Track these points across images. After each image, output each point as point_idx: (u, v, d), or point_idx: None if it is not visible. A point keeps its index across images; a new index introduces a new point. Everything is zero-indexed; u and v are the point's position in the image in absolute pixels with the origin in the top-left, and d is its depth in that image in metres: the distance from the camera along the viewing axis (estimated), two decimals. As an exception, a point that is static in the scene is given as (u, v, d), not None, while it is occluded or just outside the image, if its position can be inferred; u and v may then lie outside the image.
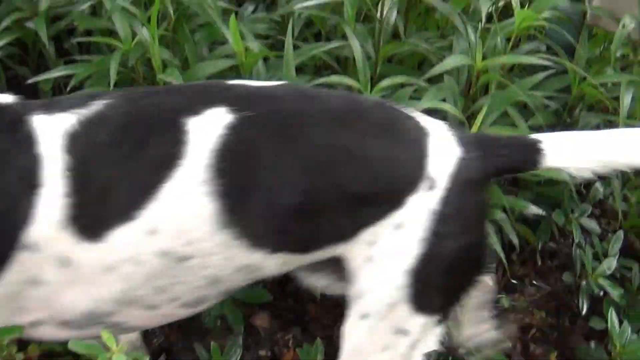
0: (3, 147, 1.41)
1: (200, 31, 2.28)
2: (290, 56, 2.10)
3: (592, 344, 2.29)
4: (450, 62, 2.16)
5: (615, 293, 2.25)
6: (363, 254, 1.51)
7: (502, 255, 2.10)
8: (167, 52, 2.15)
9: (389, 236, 1.49)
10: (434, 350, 1.63)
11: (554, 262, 2.49)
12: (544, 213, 2.27)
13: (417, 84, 2.17)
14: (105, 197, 1.43)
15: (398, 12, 2.35)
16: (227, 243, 1.46)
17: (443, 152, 1.52)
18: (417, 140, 1.52)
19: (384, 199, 1.49)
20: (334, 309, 2.00)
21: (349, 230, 1.50)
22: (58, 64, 2.34)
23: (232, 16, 2.04)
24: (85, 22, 2.30)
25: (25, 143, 1.42)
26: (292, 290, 2.26)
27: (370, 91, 2.11)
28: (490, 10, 2.29)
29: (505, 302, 2.35)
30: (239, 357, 2.00)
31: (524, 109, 2.26)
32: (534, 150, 1.57)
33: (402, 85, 2.18)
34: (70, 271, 1.44)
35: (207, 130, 1.44)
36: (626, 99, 2.29)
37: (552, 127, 2.34)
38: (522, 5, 2.28)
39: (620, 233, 2.35)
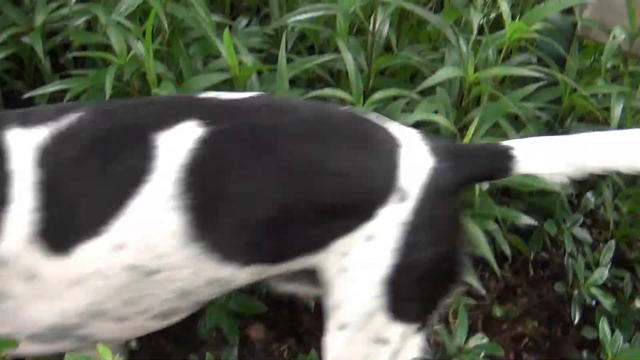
0: None
1: (194, 45, 2.30)
2: (283, 70, 2.12)
3: (585, 354, 2.31)
4: (442, 74, 2.17)
5: (607, 302, 2.27)
6: (337, 265, 1.52)
7: (494, 265, 2.11)
8: (162, 65, 2.16)
9: (361, 247, 1.50)
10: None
11: (546, 272, 2.50)
12: (536, 223, 2.28)
13: (410, 97, 2.19)
14: (74, 212, 1.44)
15: (390, 24, 2.37)
16: (196, 257, 1.46)
17: (415, 162, 1.53)
18: (388, 152, 1.53)
19: (354, 210, 1.50)
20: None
21: (320, 242, 1.51)
22: (54, 79, 2.35)
23: (226, 30, 2.06)
24: (81, 37, 2.31)
25: None
26: (287, 302, 2.27)
27: (363, 104, 2.13)
28: (481, 22, 2.31)
29: (498, 311, 2.36)
30: (234, 368, 2.02)
31: (516, 121, 2.28)
32: (506, 157, 1.58)
33: (394, 98, 2.20)
34: (38, 285, 1.46)
35: (176, 144, 1.45)
36: (617, 110, 2.31)
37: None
38: (513, 17, 2.30)
39: (612, 243, 2.37)
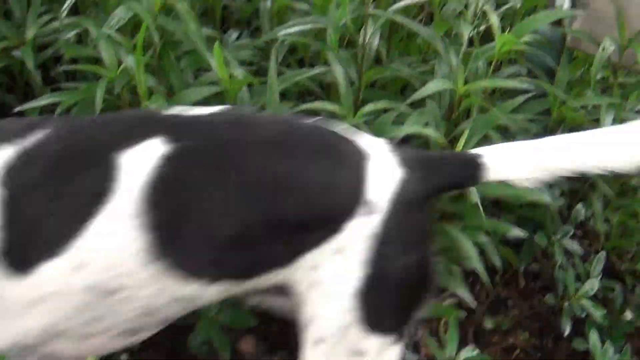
0: None
1: (186, 58, 2.30)
2: (274, 83, 2.12)
3: (576, 365, 2.32)
4: (432, 86, 2.17)
5: (597, 314, 2.27)
6: (307, 280, 1.52)
7: (485, 277, 2.12)
8: (153, 79, 2.16)
9: (331, 261, 1.50)
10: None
11: (537, 284, 2.50)
12: (526, 235, 2.29)
13: (400, 109, 2.19)
14: (35, 232, 1.43)
15: (381, 37, 2.37)
16: (159, 275, 1.45)
17: (383, 174, 1.53)
18: (354, 165, 1.53)
19: (321, 225, 1.50)
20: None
21: (287, 257, 1.51)
22: (45, 92, 2.35)
23: (217, 44, 2.06)
24: (72, 50, 2.31)
25: None
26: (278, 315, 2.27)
27: (354, 116, 2.13)
28: (471, 34, 2.32)
29: (489, 323, 2.36)
30: (225, 382, 2.02)
31: (506, 132, 2.29)
32: (475, 165, 1.59)
33: (385, 110, 2.20)
34: None
35: (139, 162, 1.45)
36: (606, 122, 2.32)
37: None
38: (503, 30, 2.31)
39: (602, 254, 2.37)
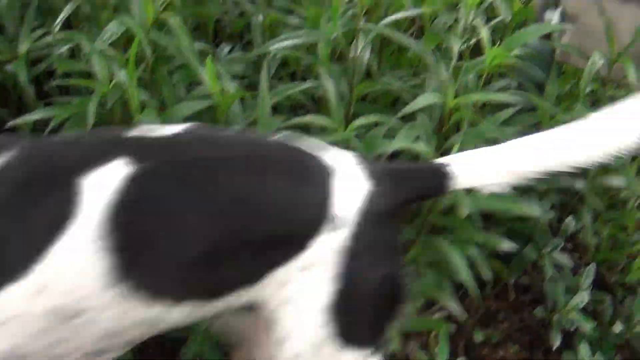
0: None
1: (178, 72, 2.31)
2: (265, 97, 2.13)
3: (566, 377, 2.33)
4: (423, 100, 2.19)
5: (587, 327, 2.28)
6: (278, 297, 1.52)
7: (475, 290, 2.13)
8: (145, 93, 2.17)
9: (300, 278, 1.50)
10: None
11: (527, 296, 2.52)
12: (516, 248, 2.29)
13: (391, 123, 2.20)
14: None
15: (372, 50, 2.39)
16: (121, 297, 1.44)
17: (350, 188, 1.54)
18: (319, 181, 1.53)
19: (286, 242, 1.50)
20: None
21: (254, 275, 1.51)
22: (38, 106, 2.35)
23: (209, 58, 2.08)
24: (64, 65, 2.32)
25: None
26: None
27: (345, 130, 2.15)
28: (462, 47, 2.34)
29: (479, 336, 2.37)
30: (217, 395, 2.02)
31: (497, 143, 2.29)
32: (441, 174, 1.61)
33: (376, 124, 2.21)
34: None
35: (102, 184, 1.44)
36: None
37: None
38: (493, 43, 2.33)
39: (592, 267, 2.38)
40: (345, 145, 2.12)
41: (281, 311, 1.54)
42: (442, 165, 1.62)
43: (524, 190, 2.29)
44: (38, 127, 2.31)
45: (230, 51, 2.55)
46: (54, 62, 2.35)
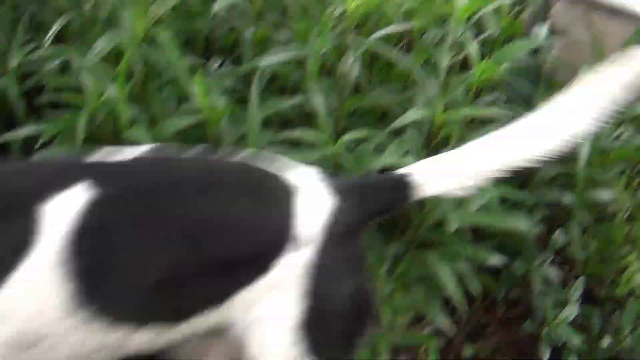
0: None
1: (168, 87, 2.32)
2: (255, 112, 2.14)
3: (555, 391, 2.33)
4: (411, 115, 2.20)
5: (575, 340, 2.28)
6: (246, 318, 1.53)
7: (463, 305, 2.13)
8: (135, 108, 2.18)
9: (267, 297, 1.51)
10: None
11: (516, 310, 2.52)
12: (504, 262, 2.30)
13: (380, 137, 2.21)
14: None
15: (362, 64, 2.40)
16: (84, 323, 1.44)
17: (313, 206, 1.55)
18: (281, 201, 1.54)
19: (249, 263, 1.50)
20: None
21: (217, 297, 1.51)
22: (29, 122, 2.35)
23: (198, 74, 2.09)
24: (54, 79, 2.32)
25: None
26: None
27: (334, 145, 2.15)
28: (451, 62, 2.35)
29: (468, 350, 2.38)
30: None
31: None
32: (404, 185, 1.62)
33: (366, 139, 2.22)
34: None
35: (63, 211, 1.43)
36: (584, 149, 2.34)
37: (514, 176, 2.40)
38: (483, 57, 2.34)
39: (581, 280, 2.39)
40: (334, 159, 2.14)
41: (251, 332, 1.54)
42: (403, 176, 1.63)
43: (512, 205, 2.31)
44: (28, 142, 2.32)
45: (220, 65, 2.55)
46: (45, 77, 2.36)
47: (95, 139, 2.19)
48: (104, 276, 1.44)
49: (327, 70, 2.44)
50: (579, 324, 2.38)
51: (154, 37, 2.25)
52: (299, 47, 2.34)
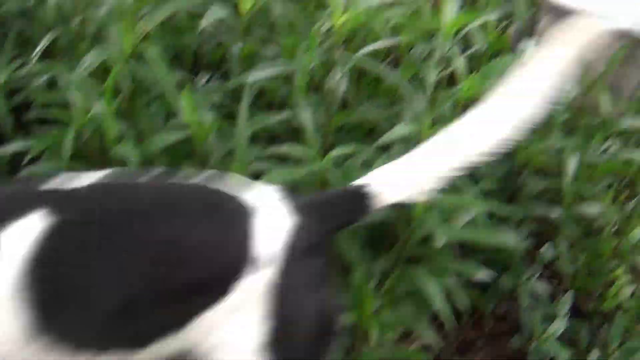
0: None
1: (156, 103, 2.32)
2: (243, 128, 2.14)
3: (543, 406, 2.33)
4: (399, 130, 2.20)
5: (563, 355, 2.28)
6: (208, 342, 1.52)
7: (451, 320, 2.13)
8: (123, 124, 2.18)
9: (229, 320, 1.50)
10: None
11: (504, 325, 2.52)
12: (492, 277, 2.30)
13: (368, 153, 2.21)
14: None
15: (350, 79, 2.40)
16: (42, 351, 1.43)
17: (272, 226, 1.53)
18: (239, 223, 1.52)
19: (208, 287, 1.49)
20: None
21: (178, 322, 1.50)
22: (17, 137, 2.35)
23: (186, 89, 2.09)
24: (42, 95, 2.32)
25: None
26: None
27: (322, 160, 2.15)
28: (438, 77, 2.35)
29: (457, 365, 2.38)
30: None
31: (472, 174, 2.31)
32: (362, 196, 1.62)
33: (353, 154, 2.22)
34: None
35: (17, 240, 1.42)
36: (571, 163, 2.35)
37: (501, 191, 2.41)
38: (470, 71, 2.35)
39: (569, 295, 2.39)
40: (322, 175, 2.14)
41: (213, 356, 1.53)
42: (361, 187, 1.63)
43: (500, 219, 2.31)
44: (16, 159, 2.32)
45: (208, 80, 2.55)
46: (32, 93, 2.36)
47: (82, 155, 2.19)
48: (61, 304, 1.43)
49: (315, 85, 2.45)
50: (567, 339, 2.38)
51: (142, 53, 2.25)
52: (286, 62, 2.35)
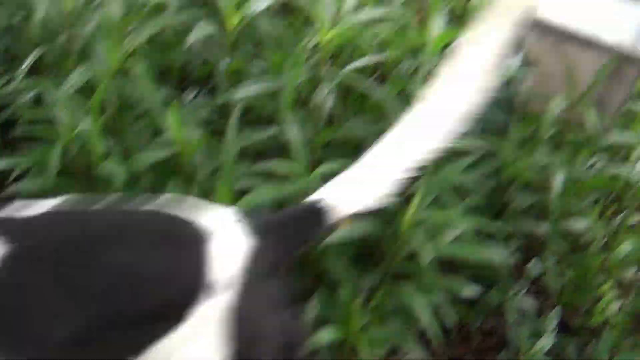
0: None
1: (142, 119, 2.32)
2: (231, 145, 2.14)
3: (531, 422, 2.32)
4: (386, 146, 2.21)
5: (550, 370, 2.30)
6: None
7: (438, 336, 2.13)
8: (109, 141, 2.17)
9: (187, 348, 1.47)
10: None
11: (491, 340, 2.52)
12: (478, 295, 2.30)
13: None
14: None
15: (337, 95, 2.40)
16: None
17: (229, 249, 1.51)
18: (194, 248, 1.50)
19: (163, 315, 1.46)
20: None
21: (131, 352, 1.47)
22: (3, 154, 2.34)
23: (172, 106, 2.09)
24: (29, 112, 2.32)
25: None
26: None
27: (309, 176, 2.15)
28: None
29: (445, 381, 2.38)
30: None
31: (459, 189, 2.32)
32: (317, 212, 1.60)
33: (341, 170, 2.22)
34: None
35: None
36: (558, 179, 2.36)
37: (488, 206, 2.42)
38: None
39: (556, 310, 2.39)
40: (309, 191, 2.14)
41: None
42: (316, 202, 1.61)
43: (487, 235, 2.31)
44: (2, 176, 2.31)
45: (195, 96, 2.55)
46: (19, 110, 2.35)
47: (69, 172, 2.19)
48: (13, 333, 1.41)
49: (302, 101, 2.45)
50: (554, 354, 2.38)
51: (129, 70, 2.25)
52: (273, 78, 2.35)
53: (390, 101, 2.34)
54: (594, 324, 2.48)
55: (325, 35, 2.34)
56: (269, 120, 2.44)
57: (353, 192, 1.63)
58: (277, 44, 2.53)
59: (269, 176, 2.20)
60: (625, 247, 2.51)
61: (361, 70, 2.45)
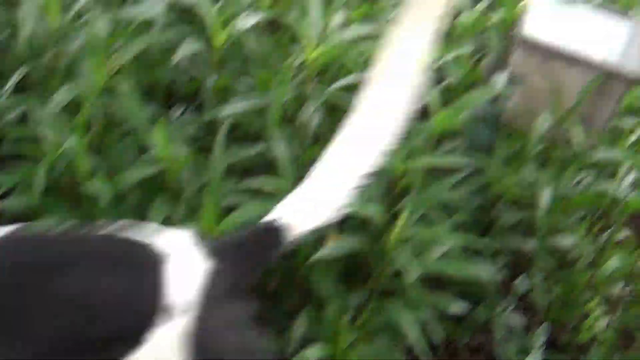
0: None
1: (128, 137, 2.31)
2: (218, 162, 2.14)
3: None
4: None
5: (538, 388, 2.29)
6: None
7: (424, 354, 2.13)
8: (95, 159, 2.17)
9: None
10: None
11: (479, 357, 2.52)
12: (465, 311, 2.30)
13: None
14: None
15: (324, 111, 2.41)
16: None
17: (186, 272, 1.48)
18: (149, 271, 1.47)
19: (118, 341, 1.43)
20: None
21: None
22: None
23: (159, 124, 2.08)
24: (14, 130, 2.31)
25: None
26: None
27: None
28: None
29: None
30: None
31: (447, 206, 2.32)
32: (274, 231, 1.59)
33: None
34: None
35: None
36: (545, 195, 2.36)
37: (475, 223, 2.42)
38: (445, 103, 2.36)
39: (544, 327, 2.39)
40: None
41: None
42: (273, 221, 1.60)
43: (474, 252, 2.32)
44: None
45: (182, 113, 2.55)
46: (4, 128, 2.34)
47: (54, 190, 2.18)
48: None
49: (289, 118, 2.45)
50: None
51: (114, 87, 2.25)
52: (260, 95, 2.35)
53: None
54: (581, 341, 2.48)
55: (311, 53, 2.35)
56: (256, 137, 2.44)
57: (307, 209, 1.62)
58: (263, 61, 2.53)
59: (256, 193, 2.20)
60: (613, 263, 2.52)
61: (347, 88, 2.46)
